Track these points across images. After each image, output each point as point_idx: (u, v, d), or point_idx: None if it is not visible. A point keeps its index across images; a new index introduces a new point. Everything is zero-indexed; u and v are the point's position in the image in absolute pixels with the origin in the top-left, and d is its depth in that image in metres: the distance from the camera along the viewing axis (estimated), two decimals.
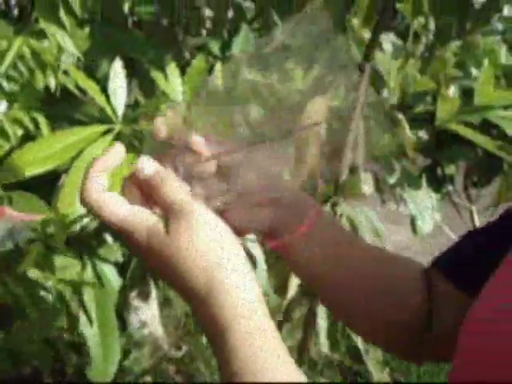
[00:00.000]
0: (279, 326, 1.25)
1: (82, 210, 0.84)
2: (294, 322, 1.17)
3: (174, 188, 0.41)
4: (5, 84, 0.73)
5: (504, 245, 0.45)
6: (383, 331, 0.51)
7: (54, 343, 0.88)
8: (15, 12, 1.26)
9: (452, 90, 1.16)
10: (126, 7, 0.89)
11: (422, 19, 0.98)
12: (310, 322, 1.12)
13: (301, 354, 1.14)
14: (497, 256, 0.44)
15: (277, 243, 0.47)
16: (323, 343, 1.11)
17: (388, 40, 1.43)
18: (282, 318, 1.17)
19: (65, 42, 0.76)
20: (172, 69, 0.93)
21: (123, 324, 1.72)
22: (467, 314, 0.42)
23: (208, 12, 1.62)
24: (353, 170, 1.10)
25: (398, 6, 1.35)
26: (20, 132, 0.84)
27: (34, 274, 0.80)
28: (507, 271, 0.42)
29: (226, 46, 1.30)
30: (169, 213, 0.40)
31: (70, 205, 0.80)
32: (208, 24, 1.57)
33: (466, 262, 0.51)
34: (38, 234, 0.76)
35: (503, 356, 0.37)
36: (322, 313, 1.12)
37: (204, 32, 1.44)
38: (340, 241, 0.50)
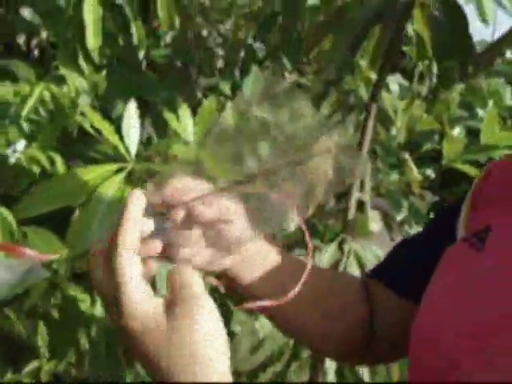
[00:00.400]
0: (287, 364, 1.24)
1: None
2: (302, 360, 1.17)
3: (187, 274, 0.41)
4: (25, 126, 0.77)
5: (438, 247, 0.48)
6: (336, 343, 0.55)
7: (61, 379, 0.89)
8: (35, 53, 1.32)
9: (457, 131, 1.19)
10: (142, 52, 0.93)
11: (426, 62, 1.01)
12: (317, 360, 1.11)
13: None
14: (432, 258, 0.47)
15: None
16: (331, 381, 1.09)
17: (395, 81, 1.47)
18: (290, 357, 1.16)
19: (83, 86, 0.79)
20: (184, 109, 0.96)
21: (132, 361, 1.72)
22: (414, 319, 0.45)
23: (220, 51, 1.67)
24: (360, 208, 1.11)
25: (405, 48, 1.39)
26: (37, 170, 0.87)
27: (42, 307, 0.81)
28: (445, 272, 0.46)
29: (236, 87, 1.34)
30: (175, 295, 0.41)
31: (80, 241, 0.82)
32: (220, 64, 1.63)
33: (403, 269, 0.55)
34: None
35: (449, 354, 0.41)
36: None
37: (216, 72, 1.49)
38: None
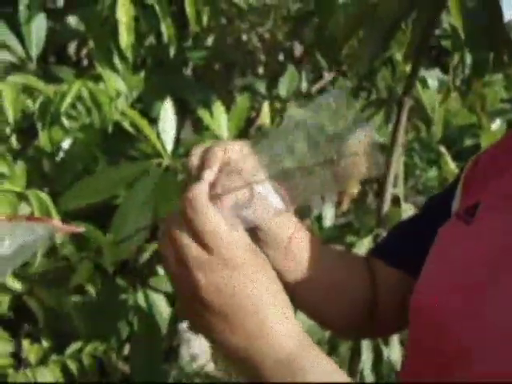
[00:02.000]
0: None
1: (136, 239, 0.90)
2: (340, 355, 1.17)
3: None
4: (65, 122, 0.82)
5: (434, 224, 0.51)
6: (341, 315, 0.57)
7: (101, 361, 0.94)
8: (85, 62, 1.39)
9: (497, 124, 1.16)
10: (172, 50, 0.97)
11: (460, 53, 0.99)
12: (354, 354, 1.11)
13: None
14: (429, 234, 0.50)
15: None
16: (368, 376, 1.09)
17: (434, 76, 1.45)
18: (327, 352, 1.16)
19: (118, 85, 0.84)
20: (217, 107, 0.99)
21: (175, 356, 1.76)
22: (413, 290, 0.48)
23: (259, 53, 1.70)
24: (395, 203, 1.11)
25: (444, 42, 1.37)
26: (80, 166, 0.92)
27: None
28: (438, 246, 0.49)
29: (272, 86, 1.36)
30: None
31: (120, 232, 0.87)
32: (259, 65, 1.66)
33: (401, 245, 0.57)
34: (89, 253, 0.83)
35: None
36: (366, 346, 1.12)
37: (253, 73, 1.52)
38: (311, 253, 0.54)
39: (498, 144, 0.54)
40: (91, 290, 0.88)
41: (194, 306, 0.41)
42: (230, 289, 0.40)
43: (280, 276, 0.48)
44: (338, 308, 0.56)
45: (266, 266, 0.42)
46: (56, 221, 0.38)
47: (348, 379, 0.41)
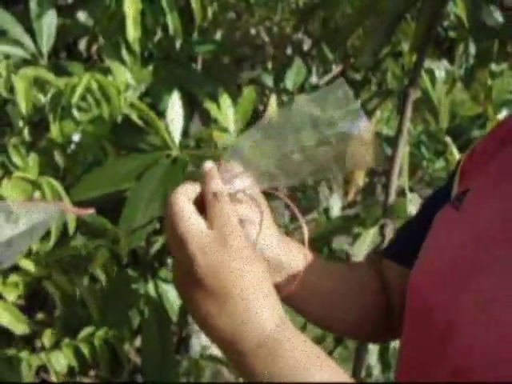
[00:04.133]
0: (331, 352, 1.26)
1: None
2: (347, 345, 1.18)
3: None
4: (76, 114, 0.84)
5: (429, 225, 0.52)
6: (354, 322, 0.59)
7: (113, 349, 0.96)
8: (95, 58, 1.41)
9: (503, 114, 1.16)
10: (178, 43, 0.98)
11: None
12: (361, 344, 1.13)
13: (353, 377, 1.13)
14: (429, 227, 0.52)
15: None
16: (374, 366, 1.11)
17: (441, 67, 1.45)
18: (334, 341, 1.17)
19: (126, 77, 0.86)
20: (224, 99, 1.01)
21: (186, 347, 1.79)
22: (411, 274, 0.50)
23: (267, 47, 1.71)
24: (400, 193, 1.12)
25: (452, 33, 1.37)
26: (90, 158, 0.94)
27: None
28: (432, 233, 0.51)
29: (279, 79, 1.37)
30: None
31: (129, 222, 0.89)
32: (267, 58, 1.67)
33: (405, 241, 0.59)
34: (106, 242, 0.85)
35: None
36: None
37: (260, 66, 1.53)
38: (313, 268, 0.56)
39: (491, 132, 0.55)
40: (103, 278, 0.91)
41: (187, 280, 0.43)
42: (227, 271, 0.42)
43: (284, 297, 0.50)
44: (348, 318, 0.58)
45: (259, 258, 0.44)
46: (67, 203, 0.40)
47: (332, 362, 0.42)
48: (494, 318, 0.41)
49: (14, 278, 0.83)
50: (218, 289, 0.42)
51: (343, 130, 0.48)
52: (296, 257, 0.55)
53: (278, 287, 0.52)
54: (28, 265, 0.82)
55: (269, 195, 0.52)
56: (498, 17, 0.89)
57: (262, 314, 0.42)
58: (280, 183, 0.49)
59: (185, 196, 0.44)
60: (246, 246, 0.43)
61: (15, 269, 0.84)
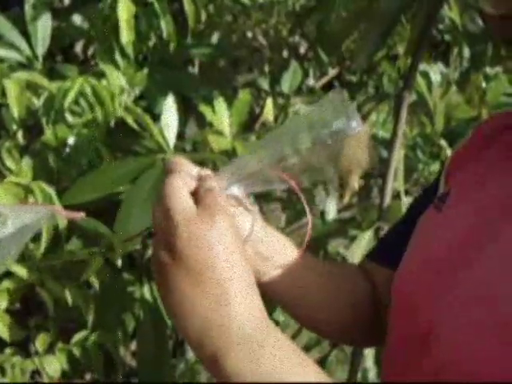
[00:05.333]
0: (327, 355, 1.26)
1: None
2: (342, 347, 1.17)
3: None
4: (69, 117, 0.84)
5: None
6: (344, 325, 0.58)
7: (108, 353, 0.96)
8: (92, 63, 1.40)
9: None
10: (172, 47, 0.99)
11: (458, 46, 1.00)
12: (356, 348, 1.12)
13: (349, 380, 1.14)
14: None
15: None
16: (370, 369, 1.11)
17: (437, 70, 1.45)
18: (329, 344, 1.17)
19: (120, 81, 0.86)
20: (219, 103, 1.01)
21: (181, 350, 1.78)
22: (395, 274, 0.51)
23: (264, 50, 1.71)
24: (396, 196, 1.12)
25: (447, 36, 1.38)
26: (85, 161, 0.94)
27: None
28: (415, 234, 0.51)
29: (275, 82, 1.37)
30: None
31: (124, 226, 0.88)
32: (264, 61, 1.67)
33: (392, 243, 0.58)
34: (100, 247, 0.85)
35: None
36: None
37: (257, 69, 1.53)
38: (303, 265, 0.56)
39: (475, 131, 0.55)
40: (97, 283, 0.90)
41: (165, 257, 0.41)
42: (207, 247, 0.40)
43: (272, 293, 0.50)
44: (338, 318, 0.57)
45: (242, 247, 0.43)
46: (58, 207, 0.40)
47: (314, 364, 0.41)
48: (473, 317, 0.41)
49: (5, 284, 0.83)
50: (196, 265, 0.40)
51: (337, 129, 0.49)
52: (285, 250, 0.55)
53: (267, 282, 0.52)
54: (20, 270, 0.82)
55: (265, 199, 0.52)
56: (481, 23, 0.90)
57: (239, 306, 0.40)
58: (274, 186, 0.49)
59: (182, 181, 0.43)
60: (232, 234, 0.41)
61: (7, 275, 0.84)
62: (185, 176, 0.44)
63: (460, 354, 0.40)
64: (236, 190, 0.48)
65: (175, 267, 0.40)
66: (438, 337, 0.42)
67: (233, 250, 0.41)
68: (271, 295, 0.55)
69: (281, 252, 0.55)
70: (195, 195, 0.43)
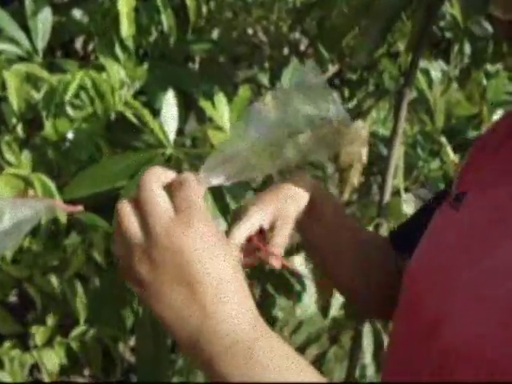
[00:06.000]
0: (325, 351, 1.26)
1: None
2: (341, 344, 1.18)
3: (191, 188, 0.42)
4: (69, 111, 0.84)
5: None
6: (371, 293, 0.60)
7: (106, 346, 0.96)
8: (92, 58, 1.40)
9: (499, 114, 1.16)
10: (172, 41, 0.99)
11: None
12: (355, 343, 1.13)
13: (347, 377, 1.14)
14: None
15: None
16: (369, 365, 1.11)
17: (437, 67, 1.45)
18: (328, 340, 1.17)
19: (120, 75, 0.86)
20: (219, 98, 1.01)
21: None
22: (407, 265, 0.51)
23: (264, 46, 1.71)
24: (395, 193, 1.12)
25: (448, 33, 1.38)
26: (84, 156, 0.94)
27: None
28: (430, 230, 0.52)
29: (275, 78, 1.37)
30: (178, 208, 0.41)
31: None
32: (264, 58, 1.67)
33: (413, 232, 0.57)
34: (81, 246, 0.85)
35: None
36: (367, 335, 1.13)
37: (257, 65, 1.53)
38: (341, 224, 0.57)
39: (492, 128, 0.55)
40: (94, 278, 0.90)
41: (148, 268, 0.40)
42: (192, 255, 0.39)
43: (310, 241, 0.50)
44: (367, 278, 0.59)
45: (229, 247, 0.42)
46: (57, 200, 0.40)
47: (300, 359, 0.41)
48: (479, 316, 0.41)
49: None
50: (179, 273, 0.39)
51: (325, 115, 0.49)
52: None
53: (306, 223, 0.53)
54: (6, 265, 0.82)
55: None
56: (488, 26, 0.90)
57: (231, 307, 0.39)
58: (256, 174, 0.49)
59: (156, 179, 0.42)
60: (211, 231, 0.40)
61: None
62: (159, 174, 0.42)
63: (461, 354, 0.40)
64: (219, 180, 0.47)
65: (159, 278, 0.40)
66: (442, 336, 0.43)
67: (217, 250, 0.40)
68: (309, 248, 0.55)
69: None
70: (170, 191, 0.42)
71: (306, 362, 0.41)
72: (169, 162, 0.96)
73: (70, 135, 0.94)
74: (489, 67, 1.14)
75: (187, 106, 1.18)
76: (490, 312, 0.40)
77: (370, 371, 1.11)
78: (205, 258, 0.40)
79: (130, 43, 0.87)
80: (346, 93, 1.46)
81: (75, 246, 0.86)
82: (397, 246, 0.61)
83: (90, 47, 1.37)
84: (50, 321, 0.91)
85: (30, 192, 0.76)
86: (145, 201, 0.41)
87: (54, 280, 0.85)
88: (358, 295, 0.61)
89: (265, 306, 1.24)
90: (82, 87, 0.82)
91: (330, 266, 0.58)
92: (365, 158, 1.06)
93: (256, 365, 0.39)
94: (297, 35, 1.69)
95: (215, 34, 1.47)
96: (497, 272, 0.42)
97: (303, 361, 0.41)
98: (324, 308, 1.12)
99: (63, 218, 0.82)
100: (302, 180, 0.55)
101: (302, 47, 1.65)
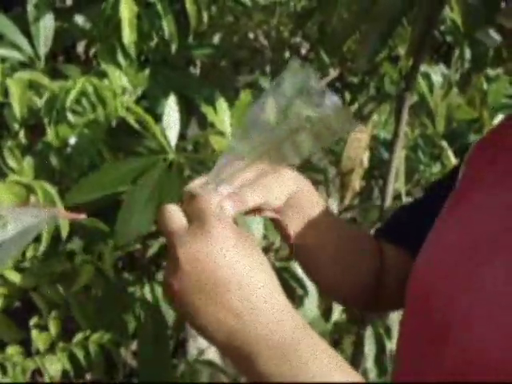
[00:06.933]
0: None
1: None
2: (343, 347, 1.18)
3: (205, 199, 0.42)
4: (70, 117, 0.84)
5: (431, 211, 0.52)
6: (349, 287, 0.58)
7: (109, 353, 0.96)
8: (94, 63, 1.41)
9: (499, 119, 1.16)
10: (173, 47, 0.99)
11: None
12: (357, 347, 1.13)
13: None
14: (427, 220, 0.52)
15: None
16: (371, 370, 1.11)
17: (438, 71, 1.45)
18: (330, 345, 1.17)
19: (122, 81, 0.86)
20: (221, 103, 1.01)
21: (183, 351, 1.78)
22: (413, 264, 0.50)
23: (266, 51, 1.72)
24: (396, 197, 1.12)
25: (449, 38, 1.38)
26: (86, 161, 0.95)
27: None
28: (440, 227, 0.51)
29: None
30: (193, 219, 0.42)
31: (125, 226, 0.89)
32: (266, 62, 1.67)
33: (409, 226, 0.58)
34: (89, 258, 0.85)
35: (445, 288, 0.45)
36: (369, 339, 1.13)
37: (258, 70, 1.54)
38: (323, 220, 0.55)
39: (494, 130, 0.55)
40: (96, 289, 0.90)
41: (176, 285, 0.40)
42: (211, 261, 0.40)
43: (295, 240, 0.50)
44: (349, 273, 0.57)
45: (251, 244, 0.42)
46: (60, 208, 0.40)
47: (339, 357, 0.41)
48: (490, 320, 0.41)
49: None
50: (206, 282, 0.39)
51: (315, 110, 0.49)
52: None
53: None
54: (13, 276, 0.82)
55: None
56: (496, 37, 0.90)
57: (265, 306, 0.39)
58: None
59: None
60: (229, 234, 0.40)
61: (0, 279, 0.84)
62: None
63: (472, 357, 0.40)
64: (227, 188, 0.47)
65: (185, 290, 0.40)
66: (458, 324, 0.42)
67: (239, 251, 0.40)
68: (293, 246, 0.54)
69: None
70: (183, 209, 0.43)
71: (347, 363, 0.41)
72: (170, 167, 0.96)
73: (72, 141, 0.95)
74: (489, 71, 1.14)
75: (189, 111, 1.19)
76: (502, 314, 0.40)
77: (372, 376, 1.11)
78: (222, 260, 0.40)
79: (131, 49, 0.87)
80: (348, 97, 1.46)
81: (84, 259, 0.86)
82: (393, 238, 0.59)
83: (92, 52, 1.37)
84: (53, 326, 0.91)
85: (32, 198, 0.76)
86: (162, 220, 0.42)
87: (60, 289, 0.85)
88: (335, 286, 0.59)
89: None
90: (83, 93, 0.82)
91: (312, 262, 0.56)
92: (366, 162, 1.06)
93: (295, 364, 0.39)
94: (298, 39, 1.69)
95: (216, 38, 1.47)
96: (506, 273, 0.42)
97: (341, 358, 0.41)
98: (326, 312, 1.12)
99: (66, 226, 0.82)
100: (286, 171, 0.53)
101: (303, 51, 1.65)
